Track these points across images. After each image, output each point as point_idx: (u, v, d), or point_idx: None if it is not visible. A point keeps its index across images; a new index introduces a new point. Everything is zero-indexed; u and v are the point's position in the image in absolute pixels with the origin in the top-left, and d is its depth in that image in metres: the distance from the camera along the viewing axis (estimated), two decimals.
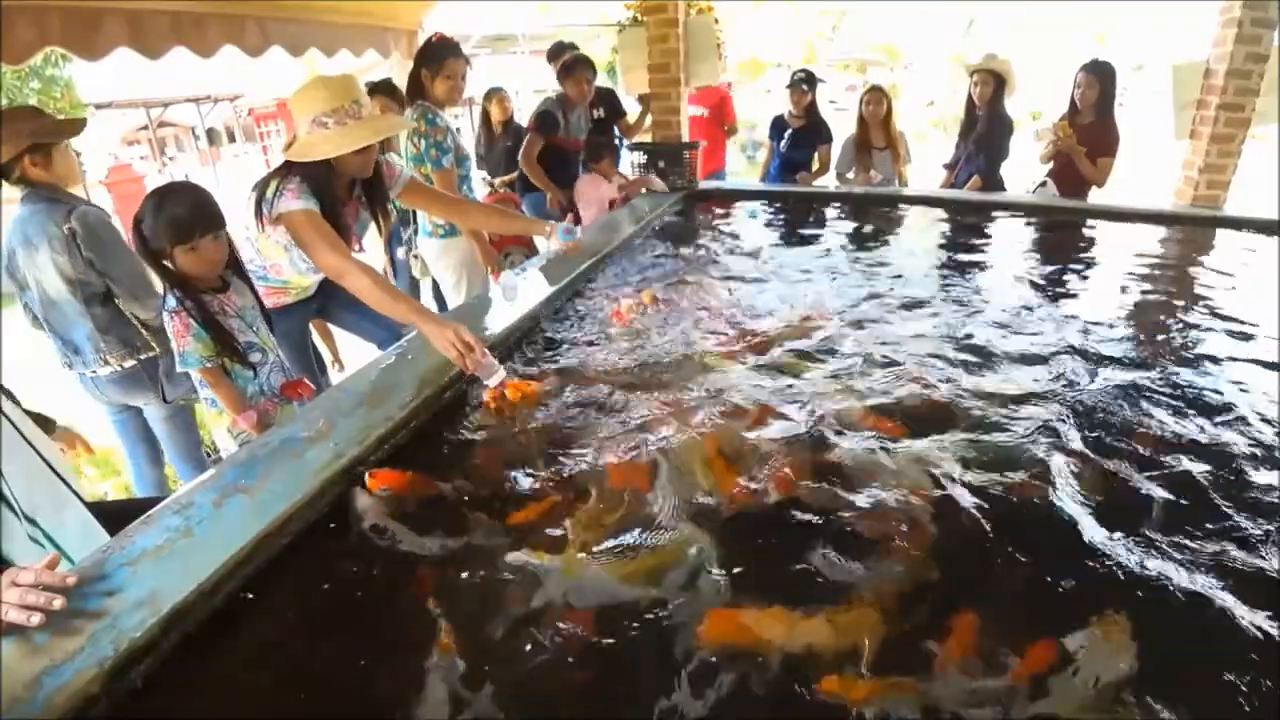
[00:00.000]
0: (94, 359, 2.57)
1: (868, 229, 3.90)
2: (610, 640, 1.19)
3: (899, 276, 3.03)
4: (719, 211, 4.34)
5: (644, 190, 4.24)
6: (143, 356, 2.61)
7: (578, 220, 4.11)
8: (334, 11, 4.12)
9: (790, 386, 2.01)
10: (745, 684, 1.10)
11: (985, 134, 4.34)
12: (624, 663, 1.16)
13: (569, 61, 4.20)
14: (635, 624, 1.22)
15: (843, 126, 4.94)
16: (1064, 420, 1.81)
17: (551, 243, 2.66)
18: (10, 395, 1.65)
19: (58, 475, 1.55)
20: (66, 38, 2.75)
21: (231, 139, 18.72)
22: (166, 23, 3.10)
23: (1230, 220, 3.84)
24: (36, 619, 1.08)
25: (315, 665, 1.19)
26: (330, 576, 1.34)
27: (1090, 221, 3.92)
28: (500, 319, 2.38)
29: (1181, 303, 2.75)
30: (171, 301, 1.98)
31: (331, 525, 1.46)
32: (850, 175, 4.74)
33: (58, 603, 1.10)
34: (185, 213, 1.90)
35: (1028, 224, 3.91)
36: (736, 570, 1.31)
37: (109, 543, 1.31)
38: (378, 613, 1.28)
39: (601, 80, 4.73)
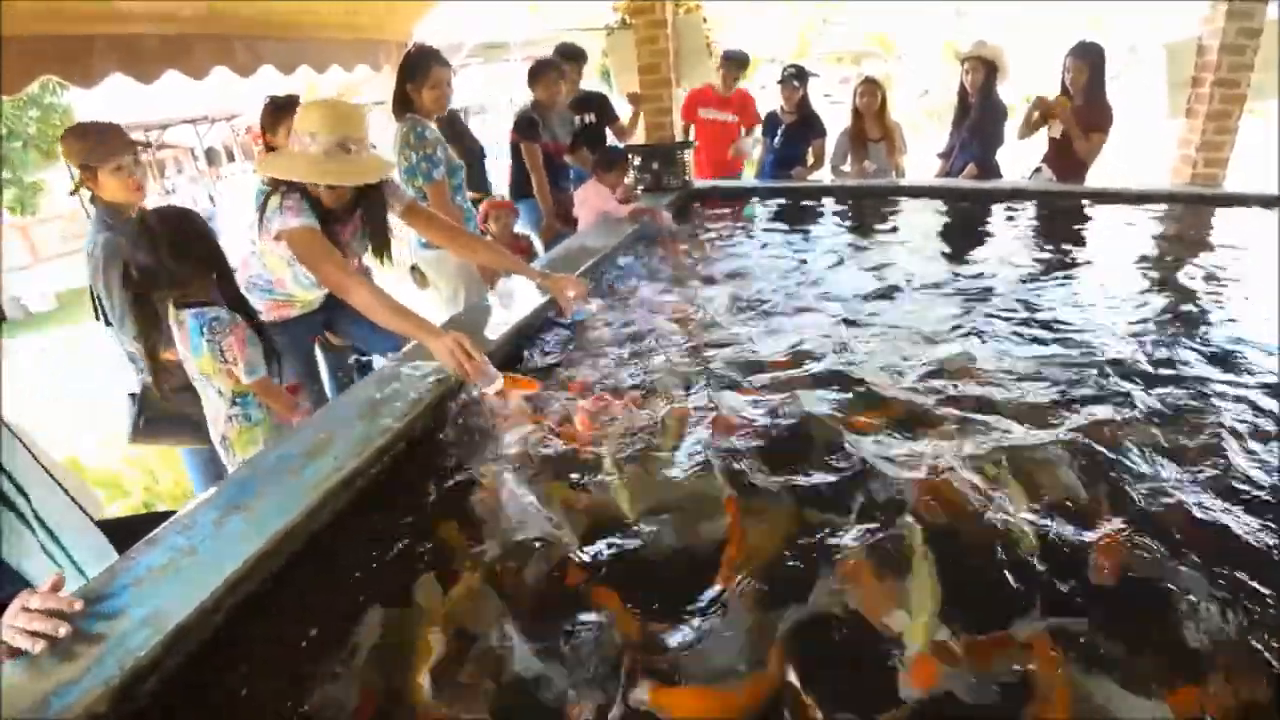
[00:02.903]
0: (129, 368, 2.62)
1: (864, 222, 3.89)
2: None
3: (902, 276, 3.02)
4: (714, 210, 4.34)
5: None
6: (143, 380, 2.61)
7: (573, 224, 4.12)
8: (322, 27, 4.15)
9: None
10: None
11: (979, 121, 4.33)
12: None
13: (533, 67, 4.23)
14: None
15: (837, 119, 4.94)
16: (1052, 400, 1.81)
17: (549, 286, 2.58)
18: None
19: (64, 490, 1.57)
20: (60, 66, 2.78)
21: (231, 158, 18.81)
22: (156, 46, 3.13)
23: (1230, 197, 3.82)
24: (40, 646, 1.10)
25: (319, 679, 1.19)
26: (334, 590, 1.35)
27: (1088, 204, 3.91)
28: (497, 327, 2.38)
29: (1189, 281, 2.74)
30: (224, 315, 2.02)
31: (334, 538, 1.47)
32: (845, 168, 4.73)
33: (63, 630, 1.12)
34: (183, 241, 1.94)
35: (1025, 210, 3.89)
36: None
37: (116, 561, 1.33)
38: (382, 625, 1.29)
39: (596, 84, 4.73)
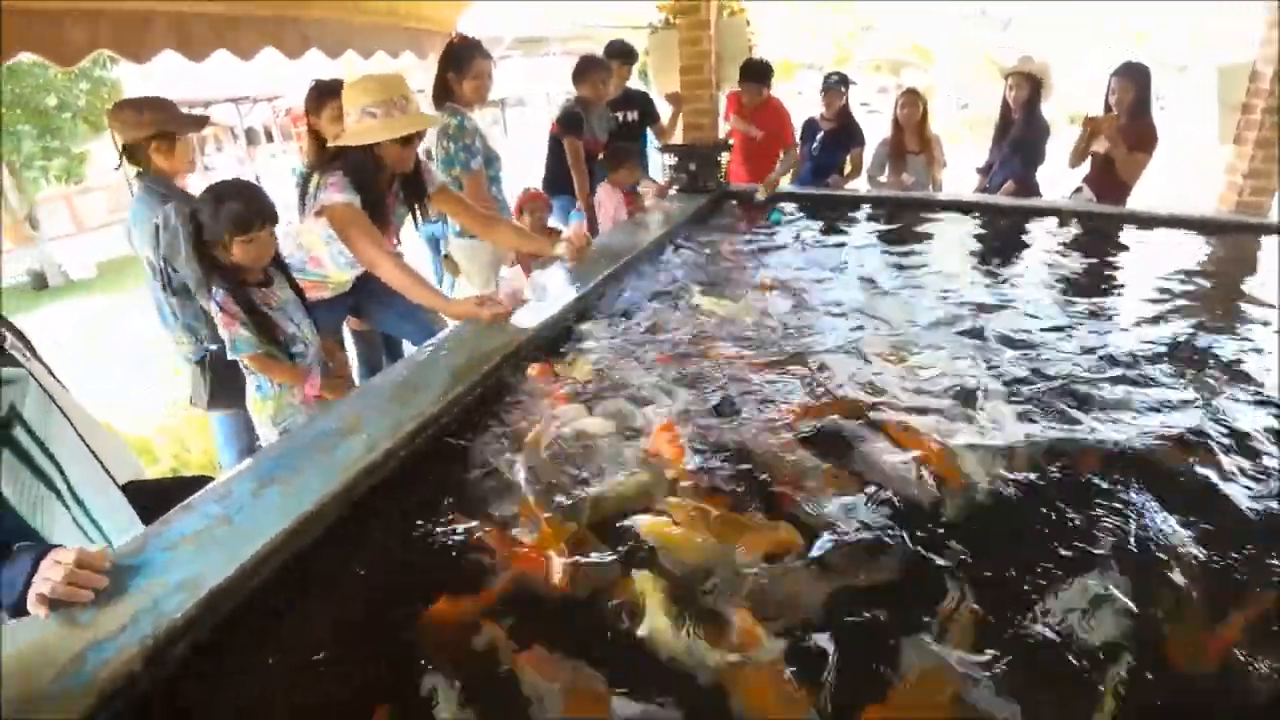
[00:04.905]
0: (172, 338, 2.72)
1: (899, 234, 3.85)
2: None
3: (920, 287, 2.99)
4: (748, 214, 4.32)
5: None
6: (205, 349, 2.69)
7: (595, 230, 4.13)
8: (371, 14, 4.20)
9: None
10: None
11: (1020, 138, 4.27)
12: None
13: (580, 63, 4.21)
14: None
15: (874, 128, 4.89)
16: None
17: (560, 248, 2.68)
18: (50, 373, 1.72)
19: (96, 458, 1.61)
20: (116, 41, 2.84)
21: (269, 139, 19.12)
22: (208, 26, 3.19)
23: (1270, 227, 3.72)
24: (83, 596, 1.14)
25: (346, 649, 1.22)
26: (363, 563, 1.38)
27: (1129, 227, 3.83)
28: (529, 318, 2.40)
29: (1220, 312, 2.67)
30: (219, 293, 2.04)
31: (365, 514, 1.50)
32: (883, 179, 4.69)
33: (101, 582, 1.16)
34: (245, 205, 1.98)
35: (1065, 229, 3.83)
36: None
37: (151, 527, 1.36)
38: (411, 596, 1.31)
39: (633, 82, 4.72)
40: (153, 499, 1.59)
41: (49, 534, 1.46)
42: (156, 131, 2.54)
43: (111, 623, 1.12)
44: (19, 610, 1.16)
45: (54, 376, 1.72)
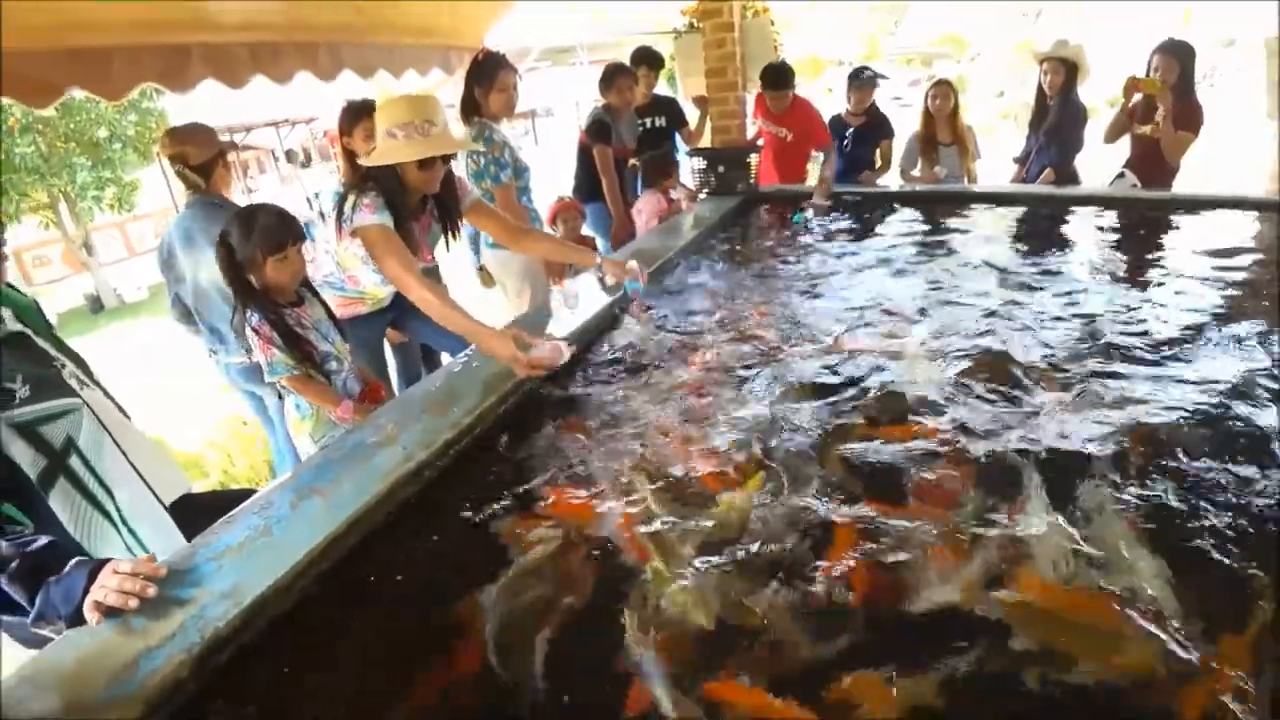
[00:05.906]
0: (236, 348, 2.84)
1: (933, 230, 3.77)
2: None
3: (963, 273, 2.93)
4: (779, 215, 4.29)
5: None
6: None
7: (632, 235, 4.14)
8: (399, 33, 4.28)
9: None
10: None
11: (1057, 125, 4.15)
12: None
13: (606, 71, 4.23)
14: None
15: (907, 123, 4.81)
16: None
17: (607, 277, 2.66)
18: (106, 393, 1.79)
19: (145, 482, 1.68)
20: (158, 73, 2.96)
21: (308, 160, 19.66)
22: (245, 54, 3.29)
23: None
24: (134, 603, 1.18)
25: (387, 654, 1.24)
26: (399, 572, 1.41)
27: (1175, 212, 3.69)
28: (562, 327, 2.42)
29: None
30: (254, 316, 2.10)
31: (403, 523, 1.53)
32: (915, 172, 4.61)
33: (151, 590, 1.21)
34: (277, 225, 2.03)
35: (1107, 218, 3.71)
36: None
37: (199, 538, 1.42)
38: (447, 603, 1.33)
39: (660, 87, 4.72)
40: (204, 512, 1.65)
41: (100, 555, 1.52)
42: (221, 150, 2.71)
43: (162, 631, 1.16)
44: (76, 620, 1.21)
45: (110, 398, 1.79)
